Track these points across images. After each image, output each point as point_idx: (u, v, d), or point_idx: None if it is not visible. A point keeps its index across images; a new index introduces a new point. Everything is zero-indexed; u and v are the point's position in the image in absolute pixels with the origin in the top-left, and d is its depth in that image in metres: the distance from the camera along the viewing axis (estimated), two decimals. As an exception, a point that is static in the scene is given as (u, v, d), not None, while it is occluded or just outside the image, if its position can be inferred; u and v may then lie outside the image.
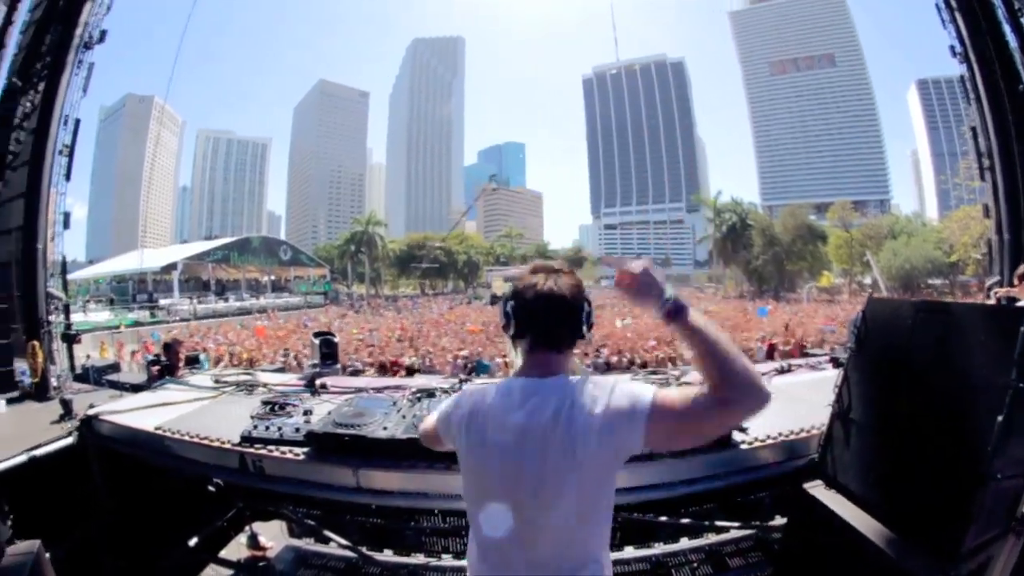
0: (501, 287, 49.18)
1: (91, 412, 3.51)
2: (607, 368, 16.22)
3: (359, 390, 3.70)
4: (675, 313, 1.24)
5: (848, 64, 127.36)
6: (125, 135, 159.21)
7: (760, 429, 2.60)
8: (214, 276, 47.64)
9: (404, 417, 2.73)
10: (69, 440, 3.47)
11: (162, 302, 38.91)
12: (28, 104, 5.96)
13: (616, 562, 3.22)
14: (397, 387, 3.68)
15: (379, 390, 3.63)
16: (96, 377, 6.44)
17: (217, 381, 4.11)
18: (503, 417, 1.32)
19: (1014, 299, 4.43)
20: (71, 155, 7.16)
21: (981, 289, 29.83)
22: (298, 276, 54.70)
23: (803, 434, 2.60)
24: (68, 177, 7.51)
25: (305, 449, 2.64)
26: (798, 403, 3.13)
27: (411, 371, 14.52)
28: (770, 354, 16.89)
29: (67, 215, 8.40)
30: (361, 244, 59.68)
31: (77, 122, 7.08)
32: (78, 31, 6.16)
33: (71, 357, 7.60)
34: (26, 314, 6.71)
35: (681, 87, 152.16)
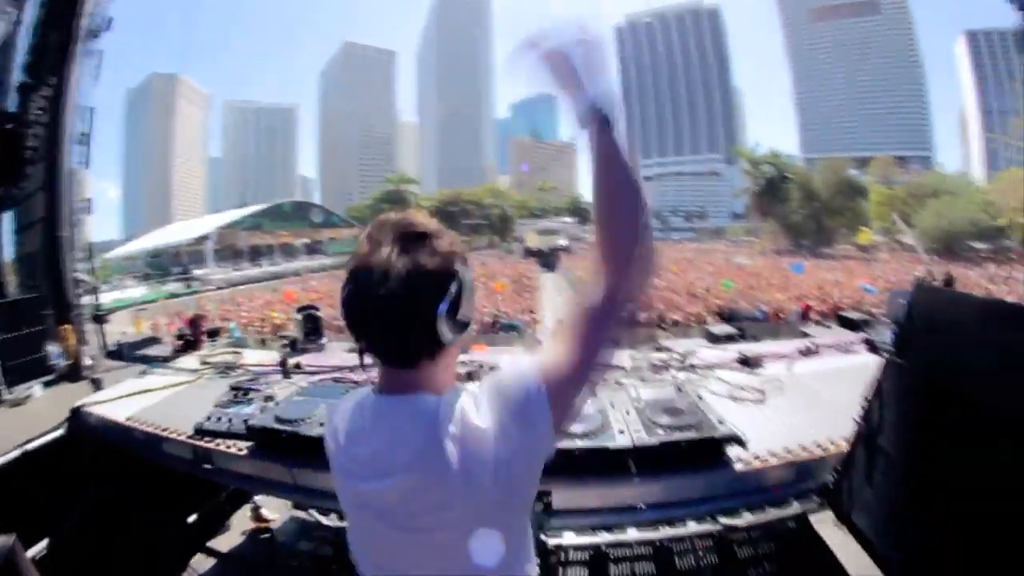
0: (534, 240, 49.78)
1: (78, 403, 3.53)
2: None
3: (335, 368, 3.60)
4: (593, 119, 0.89)
5: (892, 11, 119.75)
6: (152, 114, 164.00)
7: (765, 443, 2.16)
8: (247, 243, 49.04)
9: None
10: (60, 432, 3.53)
11: (196, 272, 40.19)
12: (42, 100, 5.93)
13: (617, 544, 2.99)
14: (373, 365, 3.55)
15: (352, 368, 3.51)
16: (129, 353, 6.65)
17: (203, 362, 4.05)
18: (351, 447, 0.95)
19: None
20: (89, 143, 7.25)
21: (1024, 256, 28.03)
22: (331, 238, 55.93)
23: (818, 452, 2.12)
24: (87, 165, 7.62)
25: (249, 443, 2.53)
26: (817, 403, 2.72)
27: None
28: (805, 315, 16.28)
29: (89, 201, 8.55)
30: (393, 202, 60.85)
31: (91, 111, 7.11)
32: (83, 22, 6.09)
33: (103, 336, 7.85)
34: (56, 300, 6.95)
35: (717, 36, 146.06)
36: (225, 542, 4.07)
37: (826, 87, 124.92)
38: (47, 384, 5.20)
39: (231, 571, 3.74)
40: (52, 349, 5.74)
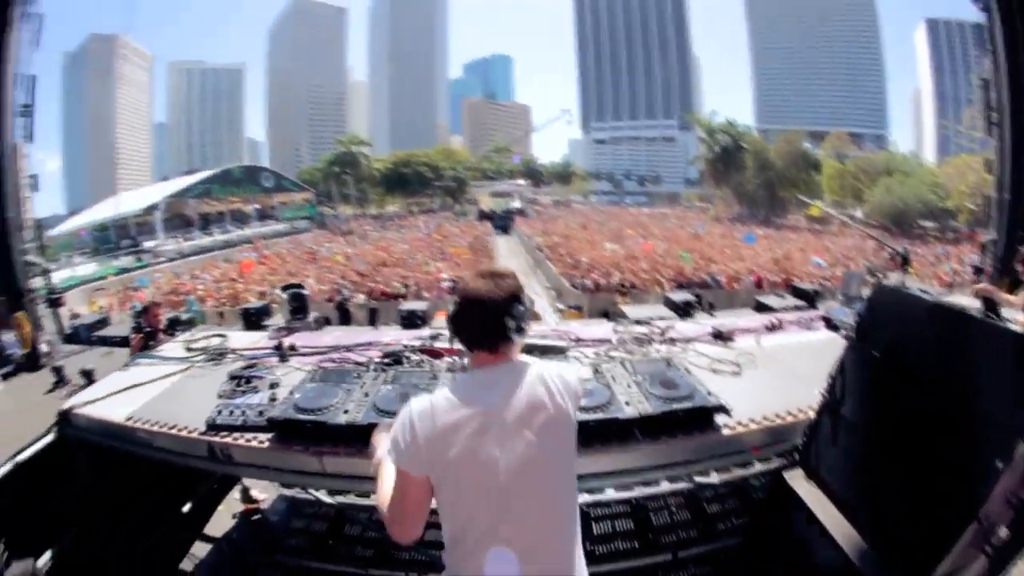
0: (488, 202, 49.72)
1: (66, 406, 3.33)
2: (596, 290, 16.28)
3: (331, 348, 3.66)
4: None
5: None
6: (92, 78, 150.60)
7: (745, 411, 2.53)
8: (197, 211, 47.54)
9: (367, 395, 2.61)
10: (50, 437, 3.32)
11: (146, 244, 38.61)
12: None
13: (596, 504, 3.41)
14: (368, 344, 3.66)
15: (348, 348, 3.60)
16: (87, 335, 6.26)
17: (188, 349, 3.94)
18: (475, 403, 1.35)
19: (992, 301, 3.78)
20: (31, 115, 6.85)
21: (971, 238, 30.01)
22: (282, 202, 54.67)
23: (789, 419, 2.52)
24: (31, 138, 7.23)
25: (269, 435, 2.53)
26: (786, 375, 3.10)
27: (397, 297, 14.81)
28: (758, 284, 17.12)
29: (35, 177, 8.13)
30: (345, 165, 59.66)
31: (33, 79, 6.69)
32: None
33: (58, 320, 7.53)
34: (6, 286, 6.66)
35: (677, 2, 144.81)
36: (218, 526, 4.07)
37: (785, 60, 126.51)
38: (5, 376, 4.90)
39: (227, 554, 3.74)
40: (6, 338, 5.50)
